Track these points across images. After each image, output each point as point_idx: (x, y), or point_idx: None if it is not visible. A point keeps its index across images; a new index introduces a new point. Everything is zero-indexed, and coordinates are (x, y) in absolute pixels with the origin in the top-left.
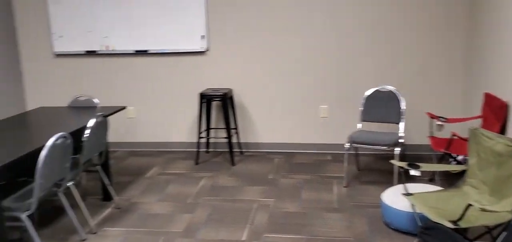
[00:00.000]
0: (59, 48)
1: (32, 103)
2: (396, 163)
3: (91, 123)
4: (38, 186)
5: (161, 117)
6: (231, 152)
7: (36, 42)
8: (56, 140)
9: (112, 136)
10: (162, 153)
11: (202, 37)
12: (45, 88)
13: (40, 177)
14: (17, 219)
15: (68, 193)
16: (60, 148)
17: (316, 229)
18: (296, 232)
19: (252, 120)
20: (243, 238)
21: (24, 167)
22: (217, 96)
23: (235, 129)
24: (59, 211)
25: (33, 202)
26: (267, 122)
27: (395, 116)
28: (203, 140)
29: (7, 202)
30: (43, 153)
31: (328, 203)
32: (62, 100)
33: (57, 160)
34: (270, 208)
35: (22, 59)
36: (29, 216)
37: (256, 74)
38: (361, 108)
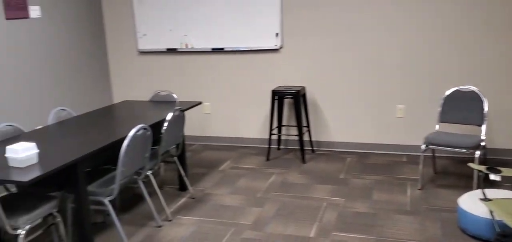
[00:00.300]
0: (143, 46)
1: (117, 97)
2: (474, 166)
3: (170, 116)
4: (120, 173)
5: (235, 113)
6: (302, 150)
7: (122, 40)
8: (137, 131)
9: (189, 130)
10: (235, 147)
11: (276, 35)
12: (129, 83)
13: (122, 165)
14: (100, 203)
15: (147, 181)
16: (141, 139)
17: (385, 230)
18: (365, 232)
19: (324, 118)
20: (311, 234)
21: (108, 155)
22: (289, 93)
23: (307, 126)
24: (138, 198)
25: (115, 188)
26: (340, 121)
27: (477, 118)
28: (275, 137)
29: (92, 187)
30: (125, 143)
31: (400, 205)
32: (144, 94)
33: (138, 150)
34: (339, 207)
35: (109, 56)
36: (111, 201)
37: (330, 72)
38: (440, 109)
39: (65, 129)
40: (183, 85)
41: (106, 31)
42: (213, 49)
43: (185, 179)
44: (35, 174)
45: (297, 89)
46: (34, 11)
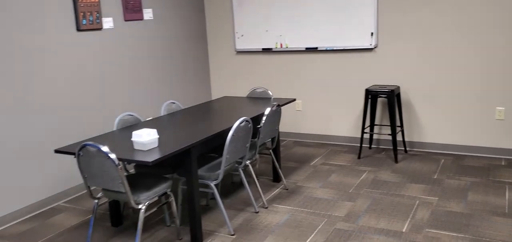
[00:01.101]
0: (240, 46)
1: (215, 94)
2: None
3: (268, 111)
4: (225, 160)
5: (326, 111)
6: (394, 149)
7: (221, 41)
8: (241, 122)
9: (281, 126)
10: (325, 144)
11: (371, 34)
12: (227, 81)
13: (226, 152)
14: (206, 186)
15: (245, 170)
16: (243, 130)
17: (481, 230)
18: (459, 231)
19: (418, 119)
20: (404, 230)
21: (213, 144)
22: (383, 92)
23: (400, 126)
24: (236, 186)
25: (220, 173)
26: (434, 121)
27: None
28: (367, 136)
29: (201, 171)
30: (231, 133)
31: (497, 207)
32: (240, 92)
33: (240, 140)
34: (432, 205)
35: (210, 55)
36: (216, 185)
37: (425, 72)
38: None
39: (176, 119)
40: (277, 83)
41: (207, 32)
42: (307, 48)
43: (279, 170)
44: (157, 155)
45: (392, 88)
46: (147, 14)
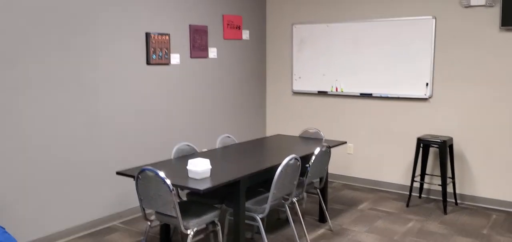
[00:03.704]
0: (297, 87)
1: (270, 131)
2: None
3: (317, 151)
4: (272, 195)
5: (377, 157)
6: (444, 200)
7: (280, 81)
8: (290, 160)
9: (332, 168)
10: (374, 190)
11: (427, 84)
12: (283, 120)
13: (274, 187)
14: (253, 219)
15: (291, 208)
16: (292, 167)
17: None
18: None
19: (470, 171)
20: None
21: (262, 178)
22: (435, 142)
23: (452, 178)
24: (281, 223)
25: (267, 207)
26: (488, 175)
27: None
28: (416, 185)
29: (248, 204)
30: (279, 169)
31: None
32: (294, 131)
33: (288, 177)
34: None
35: (267, 94)
36: (261, 219)
37: (480, 125)
38: None
39: (229, 152)
40: (330, 125)
41: (267, 73)
42: (361, 94)
43: (326, 211)
44: (209, 185)
45: (444, 139)
46: (212, 53)
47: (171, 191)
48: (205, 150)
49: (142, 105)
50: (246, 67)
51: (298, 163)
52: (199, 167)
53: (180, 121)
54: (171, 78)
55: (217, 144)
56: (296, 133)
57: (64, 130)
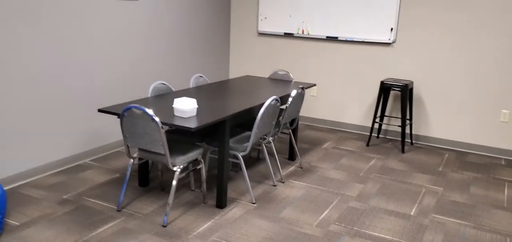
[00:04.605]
0: (263, 28)
1: (233, 73)
2: None
3: (294, 93)
4: (254, 134)
5: (339, 99)
6: (402, 140)
7: (244, 22)
8: (272, 101)
9: None
10: (335, 131)
11: (391, 29)
12: (247, 62)
13: (257, 127)
14: (235, 157)
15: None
16: (273, 108)
17: (482, 220)
18: (462, 218)
19: (427, 114)
20: (411, 213)
21: (241, 119)
22: (397, 86)
23: (410, 119)
24: (254, 161)
25: (249, 145)
26: (442, 118)
27: None
28: (376, 126)
29: (231, 142)
30: (263, 109)
31: (497, 201)
32: (259, 72)
33: (269, 117)
34: (438, 194)
35: (231, 34)
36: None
37: (439, 71)
38: None
39: (206, 92)
40: (295, 67)
41: (231, 12)
42: (327, 37)
43: (297, 150)
44: (200, 123)
45: (406, 83)
46: None
47: (160, 129)
48: (180, 89)
49: (111, 42)
50: (210, 7)
51: (278, 104)
52: (185, 106)
53: (152, 60)
54: (140, 15)
55: (191, 83)
56: (261, 75)
57: (34, 65)
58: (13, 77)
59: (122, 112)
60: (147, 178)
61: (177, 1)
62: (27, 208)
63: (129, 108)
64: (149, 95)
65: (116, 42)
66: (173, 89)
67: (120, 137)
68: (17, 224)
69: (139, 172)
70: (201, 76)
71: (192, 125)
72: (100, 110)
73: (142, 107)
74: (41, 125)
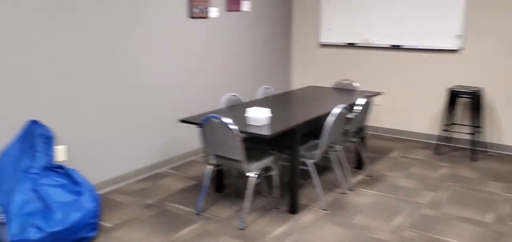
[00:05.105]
0: (325, 39)
1: (296, 84)
2: None
3: (363, 100)
4: (323, 142)
5: (404, 107)
6: (473, 148)
7: (306, 34)
8: (340, 109)
9: None
10: (401, 139)
11: (457, 36)
12: (309, 73)
13: (326, 135)
14: (304, 164)
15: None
16: (341, 116)
17: None
18: None
19: (499, 121)
20: (486, 220)
21: (310, 127)
22: (466, 93)
23: (480, 127)
24: (322, 169)
25: (318, 153)
26: None
27: None
28: (445, 134)
29: (301, 150)
30: (332, 118)
31: None
32: (323, 83)
33: (338, 125)
34: None
35: (293, 48)
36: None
37: (510, 76)
38: None
39: (272, 102)
40: (358, 77)
41: (292, 26)
42: (391, 45)
43: (365, 158)
44: (273, 130)
45: (475, 90)
46: (246, 5)
47: (237, 137)
48: (248, 100)
49: (186, 57)
50: (274, 20)
51: (347, 113)
52: (259, 115)
53: (221, 72)
54: (211, 33)
55: (259, 94)
56: (324, 85)
57: (117, 82)
58: (105, 91)
59: (202, 122)
60: (222, 184)
61: (243, 17)
62: (117, 212)
63: (209, 118)
64: (222, 107)
65: (190, 58)
66: (242, 100)
67: (192, 146)
68: (111, 225)
69: (216, 178)
70: (267, 88)
71: (266, 132)
72: (182, 121)
73: (220, 117)
74: (126, 136)
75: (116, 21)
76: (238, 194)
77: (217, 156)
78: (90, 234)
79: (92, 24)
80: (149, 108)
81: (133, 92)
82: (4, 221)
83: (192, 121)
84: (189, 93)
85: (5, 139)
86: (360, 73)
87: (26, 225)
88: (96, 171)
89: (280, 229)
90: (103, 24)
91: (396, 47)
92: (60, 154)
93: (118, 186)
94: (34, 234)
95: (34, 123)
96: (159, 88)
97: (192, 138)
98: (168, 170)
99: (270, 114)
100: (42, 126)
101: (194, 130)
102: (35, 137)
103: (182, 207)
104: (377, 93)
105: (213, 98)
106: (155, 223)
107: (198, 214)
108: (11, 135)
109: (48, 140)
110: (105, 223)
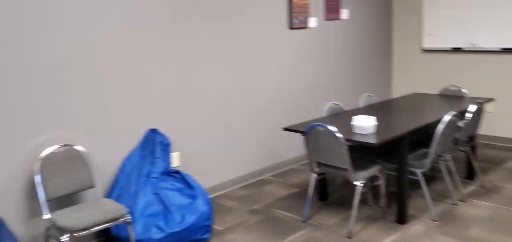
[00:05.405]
0: (428, 44)
1: (397, 92)
2: None
3: (473, 108)
4: (433, 151)
5: None
6: None
7: (408, 39)
8: (450, 116)
9: None
10: None
11: None
12: (411, 79)
13: (436, 143)
14: (413, 174)
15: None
16: (452, 124)
17: None
18: None
19: None
20: None
21: (418, 135)
22: None
23: None
24: (430, 179)
25: (428, 162)
26: None
27: None
28: None
29: (409, 159)
30: (442, 125)
31: None
32: (426, 89)
33: (448, 133)
34: None
35: (395, 55)
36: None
37: None
38: None
39: (376, 110)
40: (465, 83)
41: (394, 31)
42: (502, 49)
43: (476, 168)
44: (380, 139)
45: None
46: (344, 14)
47: (343, 145)
48: (351, 108)
49: (287, 67)
50: (373, 27)
51: (456, 120)
52: (365, 123)
53: (321, 81)
54: (311, 42)
55: (361, 102)
56: (428, 92)
57: (224, 93)
58: (213, 102)
59: (307, 130)
60: (326, 193)
61: (342, 26)
62: (226, 216)
63: (313, 127)
64: (324, 115)
65: (290, 68)
66: (344, 108)
67: (293, 154)
68: (222, 229)
69: (320, 186)
70: (370, 95)
71: (373, 141)
72: (285, 129)
73: (325, 125)
74: (232, 144)
75: (224, 36)
76: (342, 203)
77: (321, 164)
78: (204, 236)
79: (202, 41)
80: (252, 116)
81: (238, 102)
82: (130, 221)
83: (296, 129)
84: (290, 102)
85: (128, 146)
86: (466, 79)
87: (149, 225)
88: (205, 177)
89: (389, 238)
90: (213, 39)
91: (507, 50)
92: (175, 160)
93: (224, 191)
94: (156, 234)
95: (154, 131)
96: (262, 98)
97: (291, 146)
98: (270, 177)
99: (376, 123)
100: (161, 134)
101: (293, 138)
102: (155, 144)
103: (287, 214)
104: (490, 100)
105: (315, 106)
106: (263, 228)
107: (304, 221)
108: (133, 142)
109: (166, 147)
110: (217, 227)
